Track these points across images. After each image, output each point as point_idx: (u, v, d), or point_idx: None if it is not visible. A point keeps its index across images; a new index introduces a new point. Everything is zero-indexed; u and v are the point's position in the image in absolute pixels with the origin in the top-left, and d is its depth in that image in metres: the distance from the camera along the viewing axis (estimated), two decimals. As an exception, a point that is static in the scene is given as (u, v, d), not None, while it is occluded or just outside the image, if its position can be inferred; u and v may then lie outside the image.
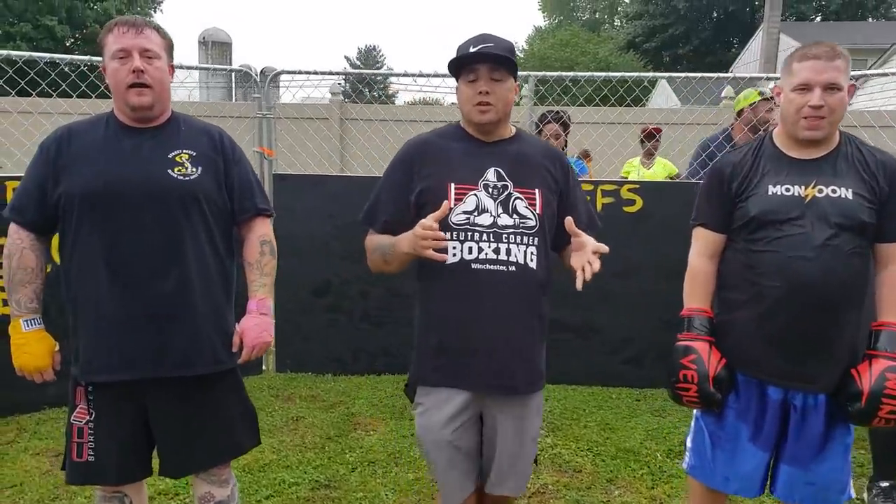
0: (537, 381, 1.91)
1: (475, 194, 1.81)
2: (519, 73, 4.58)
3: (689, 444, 2.16)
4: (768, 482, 2.05)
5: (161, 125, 1.87)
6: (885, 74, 4.62)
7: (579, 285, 1.74)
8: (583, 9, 44.12)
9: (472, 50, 1.78)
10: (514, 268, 1.80)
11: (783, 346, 1.92)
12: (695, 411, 2.14)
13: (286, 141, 5.14)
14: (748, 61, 28.10)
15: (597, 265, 1.75)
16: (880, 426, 1.86)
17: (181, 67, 4.29)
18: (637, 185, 4.05)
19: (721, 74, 4.87)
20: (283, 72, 4.27)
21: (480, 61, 1.78)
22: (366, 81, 5.74)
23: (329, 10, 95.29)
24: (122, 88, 1.78)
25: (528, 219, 1.82)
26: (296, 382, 4.17)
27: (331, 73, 4.62)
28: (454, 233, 1.79)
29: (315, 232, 4.19)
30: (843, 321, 1.91)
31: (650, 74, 4.39)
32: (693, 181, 4.22)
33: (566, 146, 4.33)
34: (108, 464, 1.85)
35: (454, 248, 1.78)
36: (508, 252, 1.79)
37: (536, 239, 1.83)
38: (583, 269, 1.74)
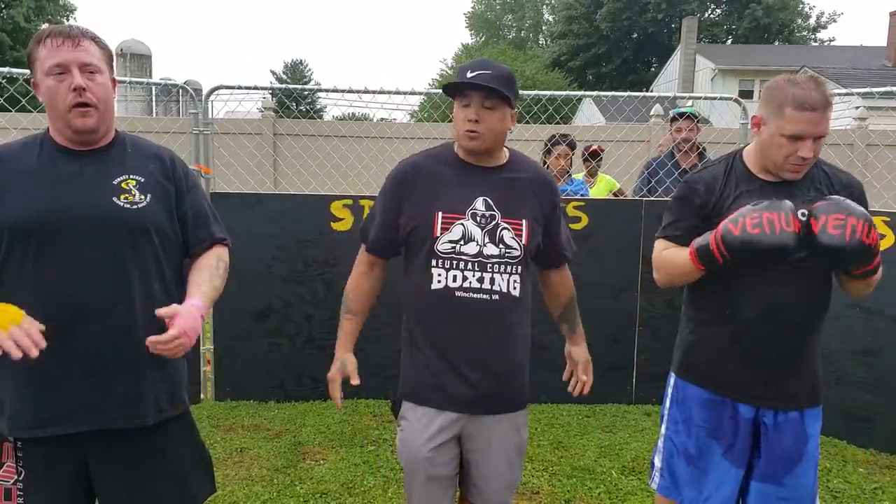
0: (518, 402, 1.94)
1: (462, 223, 1.83)
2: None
3: (657, 463, 2.15)
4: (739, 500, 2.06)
5: (104, 147, 1.66)
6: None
7: (576, 393, 2.10)
8: (509, 27, 45.08)
9: (468, 76, 1.79)
10: (497, 296, 1.83)
11: (755, 366, 1.94)
12: (662, 429, 2.14)
13: (222, 157, 4.95)
14: (667, 80, 29.41)
15: (588, 386, 2.15)
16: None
17: (123, 82, 4.06)
18: (583, 203, 4.09)
19: (645, 94, 5.02)
20: (220, 87, 4.10)
21: (474, 88, 1.79)
22: (293, 97, 5.60)
23: (251, 23, 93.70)
24: (61, 109, 1.57)
25: (514, 249, 1.85)
26: (237, 411, 3.97)
27: (270, 89, 4.48)
28: (440, 260, 1.83)
29: (256, 253, 4.02)
30: (812, 341, 1.95)
31: (577, 93, 4.49)
32: (637, 198, 4.30)
33: (571, 166, 4.58)
34: None
35: (439, 275, 1.83)
36: (492, 281, 1.83)
37: (520, 268, 1.87)
38: (575, 384, 2.13)
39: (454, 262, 1.82)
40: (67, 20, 28.28)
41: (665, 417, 2.15)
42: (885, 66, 22.00)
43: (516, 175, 1.92)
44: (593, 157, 4.74)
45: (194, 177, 1.84)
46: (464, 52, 40.78)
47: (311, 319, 4.10)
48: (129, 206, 1.62)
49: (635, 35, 34.69)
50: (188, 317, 1.58)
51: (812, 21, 34.48)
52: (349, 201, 4.06)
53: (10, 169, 1.59)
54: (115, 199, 1.62)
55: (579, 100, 18.91)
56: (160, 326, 1.59)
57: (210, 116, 4.11)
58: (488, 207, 1.84)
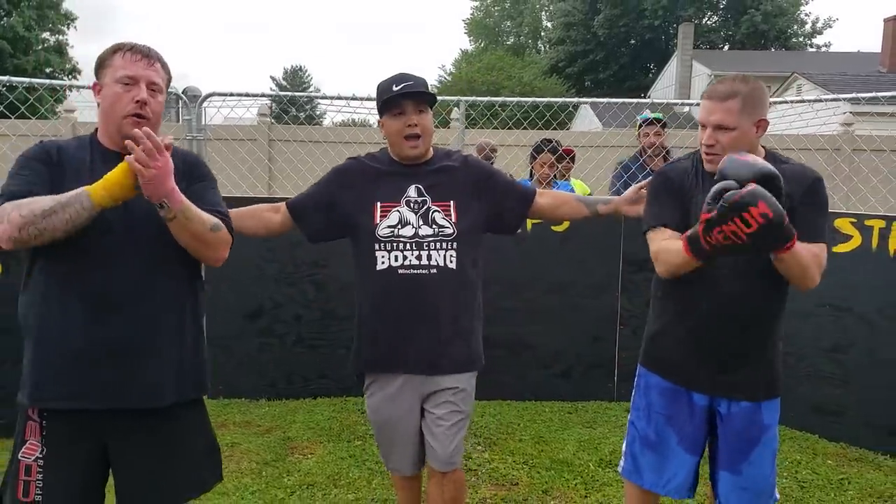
0: (463, 365, 2.19)
1: (398, 210, 2.11)
2: (451, 97, 4.72)
3: (624, 448, 2.27)
4: (713, 489, 2.17)
5: None
6: (785, 102, 5.01)
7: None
8: (507, 34, 45.32)
9: (395, 89, 2.06)
10: (434, 270, 2.10)
11: (708, 358, 2.04)
12: (629, 417, 2.26)
13: (216, 163, 5.07)
14: (664, 86, 29.58)
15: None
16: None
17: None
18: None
19: (639, 100, 5.15)
20: (212, 94, 4.23)
21: (406, 98, 2.06)
22: (298, 104, 5.73)
23: (252, 30, 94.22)
24: (118, 115, 1.72)
25: (446, 227, 2.12)
26: (229, 409, 4.09)
27: (262, 96, 4.61)
28: (382, 244, 2.10)
29: (247, 255, 4.14)
30: (765, 332, 2.04)
31: (574, 100, 4.60)
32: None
33: (556, 172, 4.53)
34: None
35: (383, 257, 2.10)
36: (430, 258, 2.09)
37: (456, 244, 2.12)
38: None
39: (394, 245, 2.09)
40: (68, 29, 28.50)
41: (632, 404, 2.27)
42: (879, 71, 22.15)
43: (444, 164, 2.20)
44: (569, 158, 4.86)
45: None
46: (463, 57, 41.02)
47: (301, 319, 4.22)
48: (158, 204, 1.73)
49: (633, 41, 34.89)
50: (169, 167, 1.61)
51: (808, 27, 34.67)
52: (338, 204, 4.18)
53: (70, 162, 1.73)
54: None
55: (576, 106, 19.05)
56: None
57: (203, 123, 4.24)
58: (420, 194, 2.13)
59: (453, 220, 2.12)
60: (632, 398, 2.27)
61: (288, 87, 33.12)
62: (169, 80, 1.84)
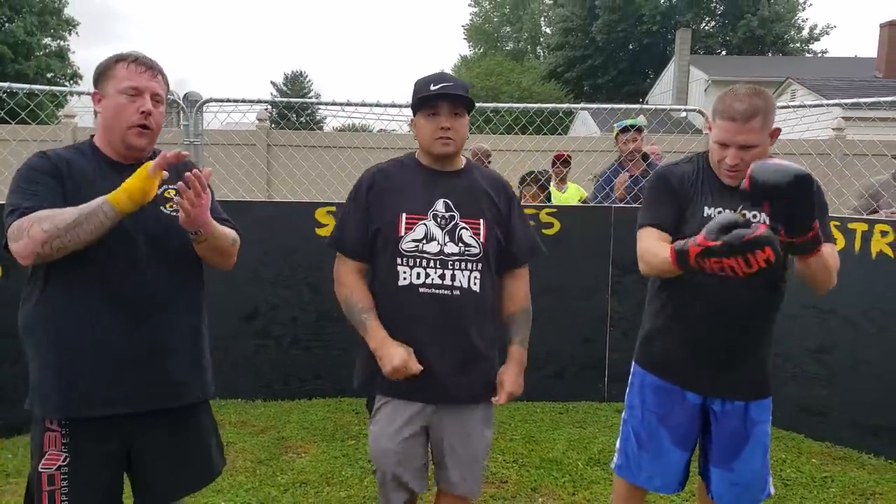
0: (479, 394, 2.05)
1: (424, 224, 1.97)
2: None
3: (617, 445, 2.34)
4: (704, 484, 2.24)
5: (142, 161, 1.82)
6: (786, 107, 5.07)
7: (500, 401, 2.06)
8: (507, 39, 45.48)
9: (433, 88, 1.93)
10: (458, 292, 1.96)
11: (702, 358, 2.10)
12: (623, 415, 2.32)
13: (213, 167, 5.14)
14: (662, 91, 29.69)
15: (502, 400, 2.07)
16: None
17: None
18: (554, 209, 4.28)
19: (631, 105, 5.22)
20: (209, 100, 4.31)
21: (443, 99, 1.94)
22: (294, 109, 5.81)
23: (254, 35, 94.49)
24: (122, 125, 1.76)
25: (473, 247, 1.98)
26: (225, 409, 4.15)
27: (258, 101, 4.68)
28: (404, 259, 1.96)
29: (244, 258, 4.15)
30: (761, 333, 2.09)
31: (565, 106, 4.68)
32: (607, 205, 4.50)
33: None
34: None
35: (405, 273, 1.96)
36: (453, 277, 1.96)
37: (480, 265, 1.99)
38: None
39: (417, 260, 1.95)
40: (69, 35, 28.65)
41: (626, 403, 2.32)
42: (875, 76, 22.25)
43: (474, 179, 2.06)
44: (564, 164, 4.95)
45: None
46: (462, 63, 41.16)
47: (297, 321, 4.29)
48: (173, 213, 1.80)
49: (631, 46, 34.99)
50: (208, 202, 1.74)
51: (805, 33, 34.82)
52: (333, 208, 4.25)
53: (78, 174, 1.75)
54: (161, 207, 1.81)
55: (568, 112, 19.14)
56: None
57: (201, 128, 4.31)
58: (448, 209, 1.98)
59: (481, 240, 1.99)
60: (626, 397, 2.32)
61: (289, 92, 33.20)
62: (168, 90, 1.89)
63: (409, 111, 5.27)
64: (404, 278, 1.96)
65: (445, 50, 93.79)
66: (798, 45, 34.63)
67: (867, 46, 52.11)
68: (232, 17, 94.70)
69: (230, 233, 1.91)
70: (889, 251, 3.49)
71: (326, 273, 4.27)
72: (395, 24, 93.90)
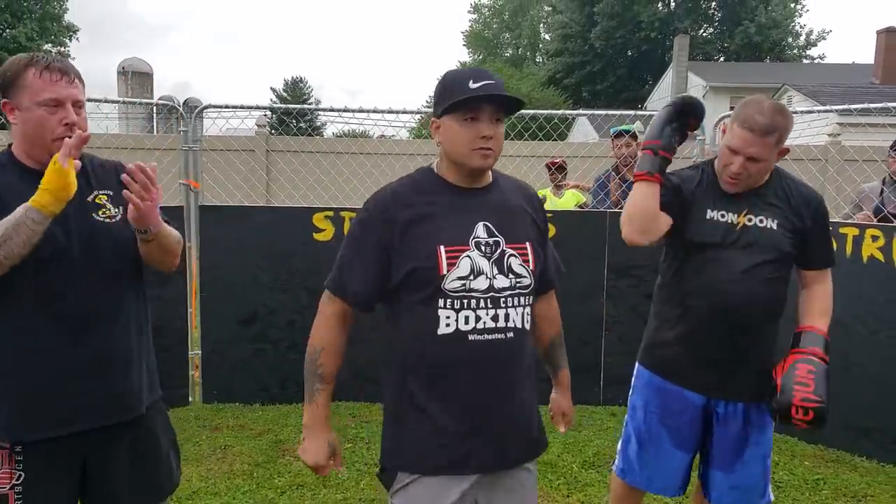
0: (535, 450, 1.75)
1: (468, 256, 1.59)
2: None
3: (619, 447, 2.36)
4: (702, 487, 2.26)
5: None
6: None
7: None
8: (506, 46, 45.65)
9: (473, 87, 1.56)
10: (511, 334, 1.62)
11: (706, 360, 2.11)
12: (625, 417, 2.34)
13: (212, 172, 5.19)
14: (661, 97, 29.79)
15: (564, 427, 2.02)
16: (800, 419, 1.92)
17: (107, 101, 4.32)
18: (551, 214, 4.31)
19: (626, 112, 5.28)
20: (208, 106, 4.36)
21: (487, 101, 1.57)
22: (293, 115, 5.87)
23: (254, 41, 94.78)
24: (47, 139, 1.65)
25: (524, 277, 1.64)
26: (223, 412, 4.18)
27: (257, 107, 4.73)
28: (448, 300, 1.58)
29: (242, 263, 4.24)
30: (763, 339, 2.11)
31: (560, 112, 4.73)
32: (602, 210, 4.54)
33: None
34: None
35: (448, 317, 1.58)
36: (507, 318, 1.61)
37: (531, 297, 1.68)
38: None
39: (465, 302, 1.57)
40: (70, 41, 28.78)
41: (628, 404, 2.34)
42: (872, 82, 22.36)
43: (508, 193, 1.72)
44: (559, 170, 4.99)
45: None
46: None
47: (295, 325, 4.31)
48: (107, 220, 1.73)
49: (629, 53, 35.15)
50: (158, 198, 1.67)
51: (802, 39, 34.98)
52: (331, 213, 4.29)
53: (4, 188, 1.64)
54: (93, 215, 1.72)
55: (564, 118, 19.24)
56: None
57: (199, 134, 4.36)
58: (490, 233, 1.62)
59: (531, 268, 1.65)
60: (629, 398, 2.34)
61: (288, 98, 33.30)
62: (84, 89, 1.75)
63: (406, 118, 5.24)
64: (447, 325, 1.58)
65: (445, 56, 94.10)
66: (795, 51, 34.80)
67: (864, 53, 52.33)
68: (232, 22, 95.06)
69: (175, 231, 1.82)
70: (880, 255, 3.53)
71: (325, 277, 4.34)
72: (394, 31, 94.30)
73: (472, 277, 1.58)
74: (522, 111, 4.90)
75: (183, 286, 4.24)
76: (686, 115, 2.08)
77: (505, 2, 44.68)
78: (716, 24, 35.66)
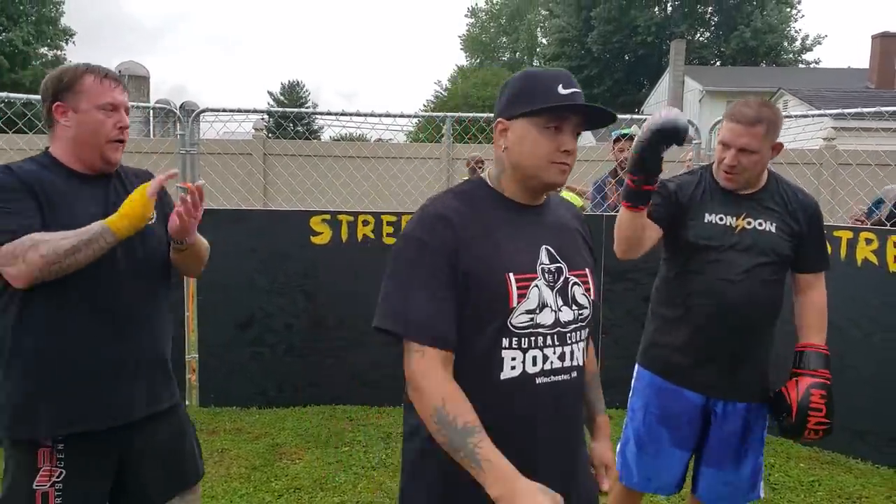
0: (594, 497, 1.56)
1: (536, 286, 1.38)
2: (437, 113, 4.87)
3: (617, 449, 2.36)
4: (691, 484, 2.28)
5: (109, 174, 1.86)
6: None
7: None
8: (503, 50, 45.76)
9: (563, 93, 1.37)
10: (575, 373, 1.44)
11: (706, 360, 2.14)
12: (625, 421, 2.36)
13: (209, 176, 5.19)
14: (657, 101, 29.88)
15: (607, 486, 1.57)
16: (809, 438, 2.04)
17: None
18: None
19: (622, 116, 5.30)
20: (205, 110, 4.36)
21: (572, 112, 1.38)
22: (290, 118, 5.88)
23: (251, 45, 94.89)
24: (101, 140, 1.76)
25: (585, 308, 1.45)
26: (220, 416, 4.18)
27: (254, 111, 4.74)
28: (513, 339, 1.35)
29: (239, 266, 4.25)
30: (761, 340, 2.16)
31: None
32: (598, 214, 4.56)
33: None
34: None
35: (513, 358, 1.35)
36: (572, 355, 1.42)
37: (589, 330, 1.51)
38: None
39: (533, 340, 1.36)
40: (66, 44, 28.75)
41: (628, 407, 2.35)
42: (868, 87, 22.45)
43: (560, 212, 1.53)
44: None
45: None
46: (459, 73, 41.37)
47: (292, 329, 4.32)
48: (148, 224, 1.79)
49: (626, 57, 35.27)
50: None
51: (798, 44, 35.13)
52: (328, 216, 4.30)
53: (50, 189, 1.72)
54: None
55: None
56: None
57: (196, 137, 4.37)
58: (553, 259, 1.43)
59: (591, 297, 1.47)
60: (628, 401, 2.35)
61: (285, 101, 33.32)
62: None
63: (403, 121, 5.25)
64: (512, 367, 1.35)
65: (442, 60, 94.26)
66: (791, 55, 34.94)
67: (860, 57, 52.60)
68: (229, 26, 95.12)
69: (204, 241, 1.97)
70: (874, 258, 3.55)
71: (320, 281, 4.38)
72: (391, 35, 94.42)
73: (538, 311, 1.37)
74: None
75: (179, 290, 4.24)
76: (668, 140, 1.93)
77: (502, 6, 44.81)
78: (712, 28, 35.80)
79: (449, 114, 4.72)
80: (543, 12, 42.32)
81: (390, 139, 9.44)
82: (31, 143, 5.49)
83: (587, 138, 19.35)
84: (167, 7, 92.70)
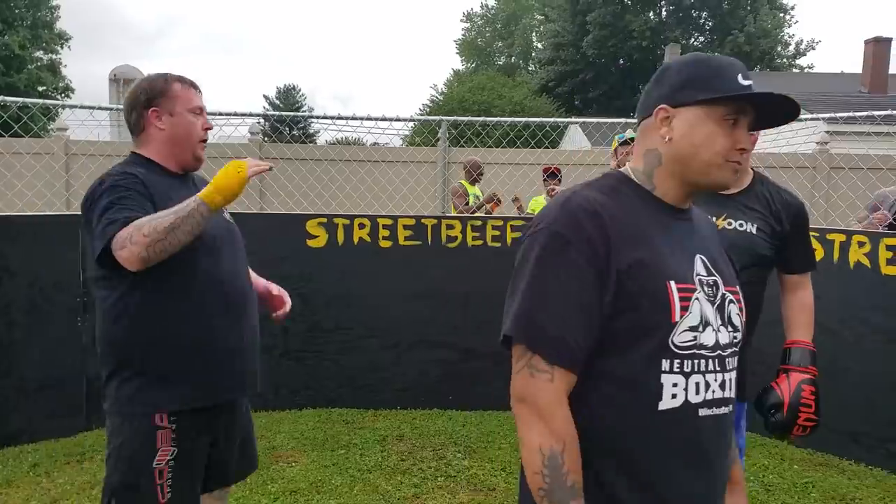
0: None
1: (697, 299, 1.16)
2: (433, 117, 4.91)
3: None
4: None
5: (189, 173, 2.04)
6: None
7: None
8: (499, 54, 45.89)
9: (744, 83, 1.18)
10: (730, 408, 1.21)
11: None
12: None
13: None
14: (652, 106, 29.93)
15: None
16: (798, 434, 2.02)
17: (100, 108, 4.33)
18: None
19: (617, 120, 5.33)
20: (202, 113, 4.37)
21: (751, 104, 1.20)
22: (286, 122, 5.90)
23: (246, 48, 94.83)
24: (193, 141, 1.95)
25: (739, 331, 1.24)
26: (216, 419, 4.17)
27: (250, 115, 4.75)
28: (675, 361, 1.13)
29: (235, 269, 4.25)
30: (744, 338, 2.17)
31: (552, 120, 4.78)
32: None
33: None
34: (185, 495, 1.88)
35: (675, 384, 1.12)
36: (730, 385, 1.20)
37: (741, 356, 1.28)
38: None
39: (695, 363, 1.14)
40: (62, 48, 28.71)
41: None
42: (861, 92, 22.59)
43: (703, 221, 1.33)
44: (551, 177, 5.04)
45: None
46: (455, 77, 41.46)
47: (288, 332, 4.33)
48: (229, 217, 2.07)
49: (621, 61, 35.40)
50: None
51: (791, 49, 35.33)
52: (324, 219, 4.32)
53: (155, 188, 1.85)
54: (223, 212, 2.01)
55: (565, 126, 19.34)
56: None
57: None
58: (709, 271, 1.21)
59: (744, 317, 1.26)
60: None
61: (281, 106, 33.32)
62: None
63: (399, 125, 5.28)
64: (673, 395, 1.12)
65: (438, 64, 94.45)
66: (784, 60, 35.14)
67: (853, 62, 53.00)
68: (224, 31, 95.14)
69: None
70: (866, 261, 3.58)
71: (317, 284, 4.39)
72: (387, 39, 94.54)
73: (700, 329, 1.15)
74: (515, 119, 4.99)
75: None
76: None
77: (497, 10, 44.95)
78: (706, 33, 35.97)
79: (445, 117, 4.74)
80: (539, 17, 42.48)
81: (386, 143, 9.45)
82: (27, 147, 5.50)
83: (582, 142, 19.40)
84: (163, 12, 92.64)
